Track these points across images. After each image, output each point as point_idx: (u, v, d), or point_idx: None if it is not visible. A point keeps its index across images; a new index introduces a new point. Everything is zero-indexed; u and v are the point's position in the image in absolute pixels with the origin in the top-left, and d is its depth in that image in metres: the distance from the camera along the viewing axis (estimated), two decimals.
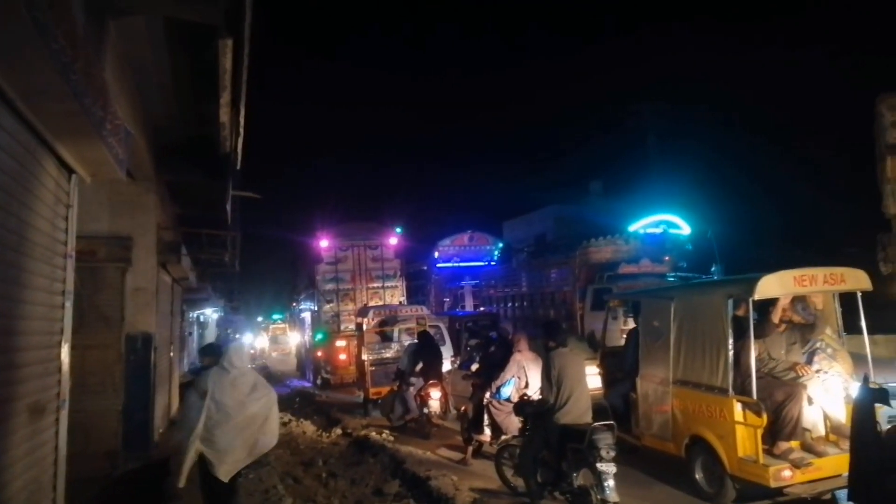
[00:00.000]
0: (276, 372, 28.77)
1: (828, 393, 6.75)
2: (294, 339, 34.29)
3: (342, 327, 19.12)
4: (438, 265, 25.35)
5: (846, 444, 5.80)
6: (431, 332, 13.24)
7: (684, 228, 20.67)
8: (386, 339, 15.56)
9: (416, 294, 24.54)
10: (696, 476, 6.95)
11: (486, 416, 8.95)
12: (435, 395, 11.18)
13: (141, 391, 9.04)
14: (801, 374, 6.70)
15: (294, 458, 10.15)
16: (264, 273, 50.38)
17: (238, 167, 10.09)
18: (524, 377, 8.42)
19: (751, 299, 6.50)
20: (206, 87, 7.14)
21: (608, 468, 5.97)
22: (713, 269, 19.18)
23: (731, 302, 6.74)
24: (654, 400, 7.74)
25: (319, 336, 20.06)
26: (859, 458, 5.18)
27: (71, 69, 3.74)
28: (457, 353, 14.44)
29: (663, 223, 20.48)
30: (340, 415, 14.09)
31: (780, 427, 6.45)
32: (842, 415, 6.62)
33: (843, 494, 5.98)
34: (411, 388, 11.64)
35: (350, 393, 17.17)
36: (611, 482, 5.95)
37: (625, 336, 10.78)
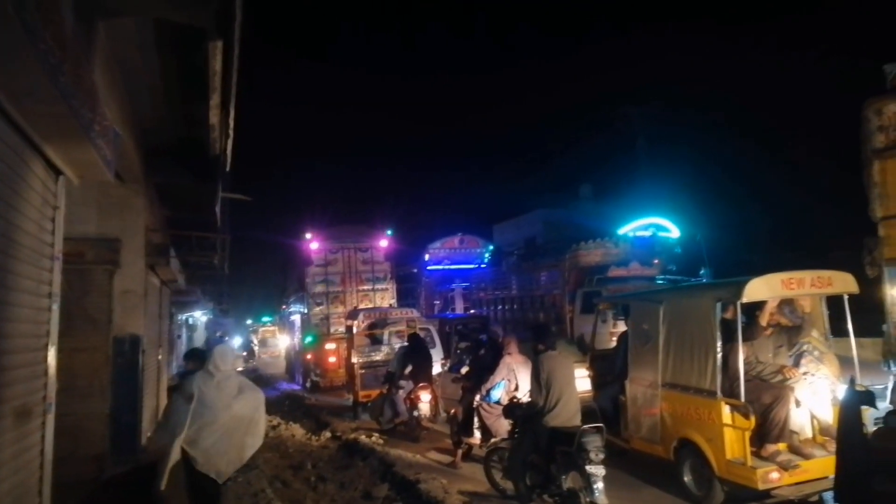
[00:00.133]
0: (266, 374, 28.68)
1: (815, 395, 6.80)
2: (283, 342, 34.18)
3: (332, 330, 19.09)
4: (429, 268, 25.35)
5: (833, 446, 5.84)
6: (421, 334, 13.24)
7: (673, 232, 20.82)
8: (376, 341, 15.52)
9: (406, 297, 24.50)
10: (685, 479, 6.98)
11: (475, 419, 8.95)
12: (425, 397, 11.17)
13: (129, 394, 8.97)
14: (788, 377, 6.76)
15: (283, 462, 10.12)
16: (254, 276, 50.36)
17: (227, 169, 10.05)
18: (514, 380, 8.44)
19: (739, 302, 6.53)
20: (195, 88, 7.11)
21: (597, 471, 5.99)
22: (702, 272, 19.32)
23: (719, 305, 6.78)
24: (643, 403, 7.77)
25: (309, 339, 19.98)
26: (846, 460, 5.23)
27: (59, 71, 3.71)
28: (447, 355, 14.42)
29: (652, 226, 20.64)
30: (330, 418, 14.05)
31: (767, 429, 6.49)
32: (829, 417, 6.67)
33: (830, 496, 6.03)
34: (401, 391, 11.62)
35: (339, 396, 17.12)
36: (600, 485, 5.96)
37: (614, 339, 10.83)
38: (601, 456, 6.04)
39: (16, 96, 3.82)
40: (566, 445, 6.18)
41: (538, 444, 6.57)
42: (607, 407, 8.52)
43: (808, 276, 6.68)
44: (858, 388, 5.41)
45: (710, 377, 6.66)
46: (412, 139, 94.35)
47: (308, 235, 19.82)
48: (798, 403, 6.71)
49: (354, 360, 14.45)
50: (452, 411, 10.02)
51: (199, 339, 35.28)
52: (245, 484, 7.61)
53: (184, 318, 30.09)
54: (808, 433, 6.85)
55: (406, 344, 12.50)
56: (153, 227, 10.74)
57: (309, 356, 20.48)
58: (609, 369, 8.87)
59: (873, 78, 8.70)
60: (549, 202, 32.07)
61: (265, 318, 50.30)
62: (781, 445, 6.51)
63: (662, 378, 7.43)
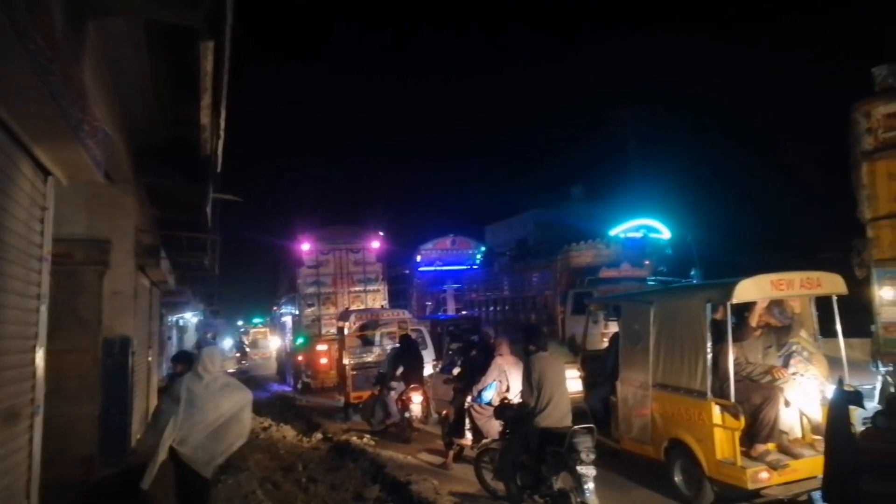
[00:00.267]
0: (257, 376, 28.59)
1: (804, 395, 6.84)
2: (275, 343, 34.07)
3: (323, 331, 19.01)
4: (420, 269, 25.33)
5: (822, 446, 5.87)
6: (413, 336, 13.23)
7: (664, 233, 20.88)
8: (367, 343, 15.51)
9: (398, 298, 24.46)
10: (675, 479, 7.00)
11: (467, 420, 8.95)
12: (416, 399, 11.16)
13: (118, 396, 8.93)
14: (777, 378, 6.79)
15: (274, 463, 10.09)
16: (245, 277, 50.23)
17: (218, 170, 10.02)
18: (505, 381, 8.44)
19: (729, 303, 6.56)
20: (186, 89, 7.09)
21: (588, 471, 5.99)
22: (692, 273, 19.41)
23: (709, 306, 6.80)
24: (634, 403, 7.79)
25: (300, 340, 19.93)
26: (834, 460, 5.27)
27: (49, 71, 3.70)
28: (438, 357, 14.42)
29: (643, 228, 20.69)
30: (321, 419, 14.03)
31: (757, 430, 6.53)
32: (818, 417, 6.71)
33: (818, 495, 6.06)
34: (392, 393, 11.60)
35: (331, 397, 17.08)
36: (590, 485, 5.97)
37: (605, 340, 10.85)
38: (592, 456, 6.05)
39: (5, 96, 3.80)
40: (557, 446, 6.18)
41: (529, 444, 6.57)
42: (598, 407, 8.54)
43: (797, 277, 6.72)
44: (847, 389, 5.45)
45: (701, 378, 6.68)
46: (404, 140, 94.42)
47: (299, 236, 19.78)
48: (787, 403, 6.75)
49: (346, 361, 14.41)
50: (444, 412, 10.02)
51: (190, 341, 35.07)
52: (235, 485, 7.60)
53: (174, 319, 29.93)
54: (798, 433, 6.90)
55: (397, 345, 12.49)
56: (143, 227, 10.69)
57: (300, 357, 20.44)
58: (600, 370, 8.89)
59: (862, 81, 8.78)
60: (540, 203, 32.09)
61: (256, 320, 50.15)
62: (771, 445, 6.55)
63: (653, 379, 7.45)
